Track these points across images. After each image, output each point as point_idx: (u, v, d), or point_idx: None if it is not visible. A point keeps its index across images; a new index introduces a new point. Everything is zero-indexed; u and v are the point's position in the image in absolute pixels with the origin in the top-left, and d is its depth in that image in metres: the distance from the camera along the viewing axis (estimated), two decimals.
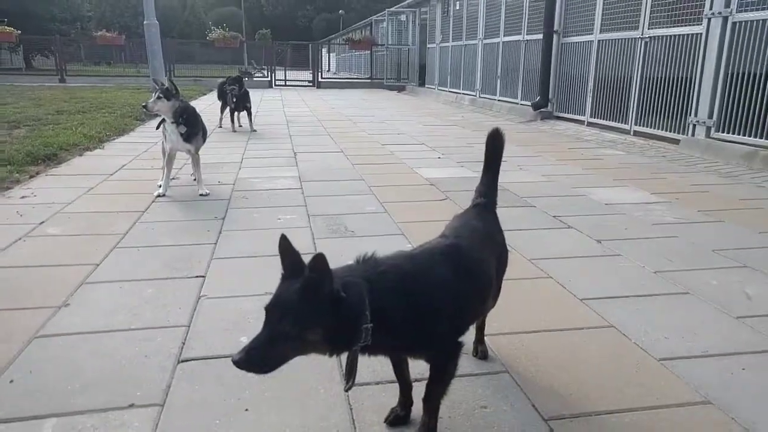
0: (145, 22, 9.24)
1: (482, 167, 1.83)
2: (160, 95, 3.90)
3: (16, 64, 26.15)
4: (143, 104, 4.03)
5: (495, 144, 1.80)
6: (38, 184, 4.31)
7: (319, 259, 1.15)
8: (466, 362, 1.80)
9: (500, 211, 1.86)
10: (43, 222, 3.31)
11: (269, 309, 1.21)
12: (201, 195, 4.06)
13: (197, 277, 2.53)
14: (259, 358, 1.18)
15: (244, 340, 1.95)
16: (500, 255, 1.72)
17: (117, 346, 1.93)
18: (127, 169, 5.00)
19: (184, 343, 1.95)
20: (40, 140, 5.76)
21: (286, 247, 1.26)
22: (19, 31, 19.13)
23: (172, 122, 3.99)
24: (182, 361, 1.84)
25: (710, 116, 6.00)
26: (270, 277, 2.52)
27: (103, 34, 20.28)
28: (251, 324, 2.08)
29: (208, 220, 3.43)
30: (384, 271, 1.30)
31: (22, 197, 3.88)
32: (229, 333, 2.02)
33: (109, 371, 1.77)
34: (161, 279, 2.51)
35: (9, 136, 6.24)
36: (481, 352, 1.85)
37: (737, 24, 5.62)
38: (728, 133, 5.79)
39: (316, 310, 1.17)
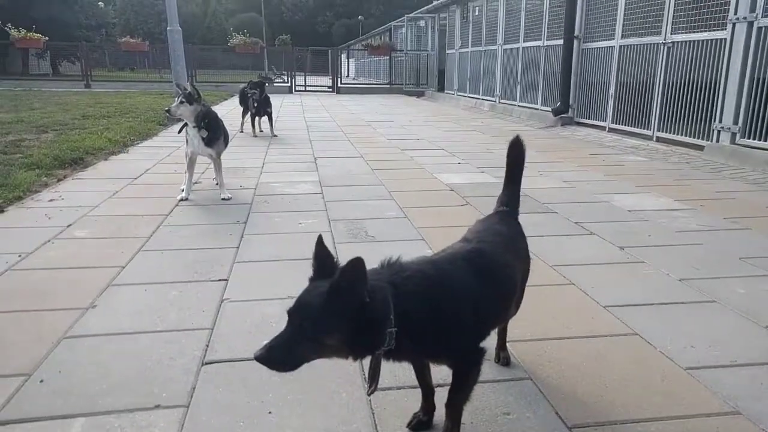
0: (168, 29, 9.42)
1: (504, 176, 1.82)
2: (183, 100, 3.96)
3: (44, 70, 26.80)
4: (166, 108, 4.10)
5: (516, 152, 1.80)
6: (65, 188, 4.39)
7: (357, 263, 1.14)
8: (488, 368, 1.80)
9: (522, 218, 1.85)
10: (70, 225, 3.38)
11: (291, 311, 1.23)
12: (223, 199, 4.10)
13: (220, 280, 2.56)
14: (279, 356, 1.20)
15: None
16: (524, 261, 1.71)
17: (143, 347, 1.96)
18: (150, 173, 5.07)
19: (207, 346, 1.97)
20: (67, 144, 5.88)
21: (320, 249, 1.28)
22: (47, 38, 19.55)
23: (194, 126, 4.05)
24: (206, 364, 1.86)
25: (735, 122, 5.91)
26: (292, 280, 2.55)
27: (127, 41, 20.65)
28: (273, 327, 2.10)
29: (231, 224, 3.47)
30: (409, 276, 1.31)
31: (50, 200, 3.97)
32: (252, 336, 2.04)
33: (135, 372, 1.80)
34: (185, 282, 2.54)
35: (37, 141, 6.38)
36: (503, 358, 1.84)
37: (763, 29, 5.53)
38: (754, 139, 5.69)
39: (338, 316, 1.18)
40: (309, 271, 2.80)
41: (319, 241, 1.28)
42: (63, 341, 1.99)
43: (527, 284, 1.76)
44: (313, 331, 1.18)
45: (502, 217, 1.75)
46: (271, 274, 2.65)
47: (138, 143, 6.83)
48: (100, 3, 37.31)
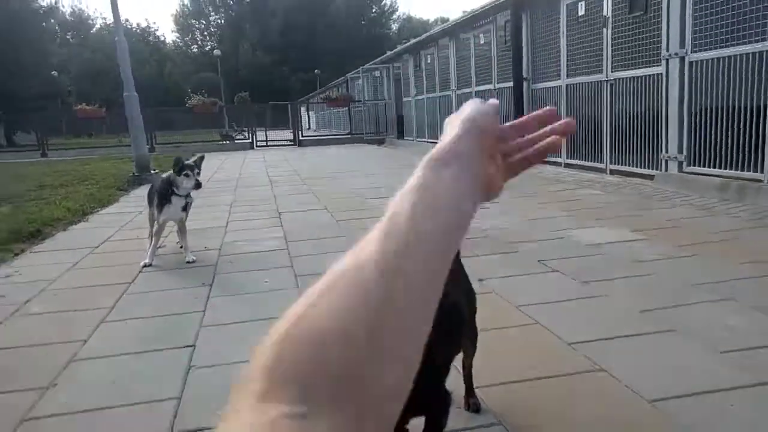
0: (124, 94, 9.43)
1: None
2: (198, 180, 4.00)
3: None
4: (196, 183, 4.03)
5: None
6: (22, 262, 4.29)
7: None
8: (458, 416, 1.80)
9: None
10: (28, 301, 3.29)
11: None
12: (188, 262, 4.05)
13: (186, 347, 2.52)
14: None
15: None
16: (468, 296, 1.76)
17: (108, 424, 1.90)
18: (112, 241, 5.00)
19: (175, 417, 1.93)
20: (23, 216, 5.77)
21: None
22: (1, 111, 19.32)
23: (182, 195, 4.03)
24: None
25: (680, 151, 6.20)
26: (259, 341, 2.51)
27: (83, 107, 20.53)
28: None
29: (196, 287, 3.43)
30: None
31: (6, 276, 3.86)
32: (221, 403, 1.99)
33: None
34: (150, 351, 2.49)
35: None
36: (473, 404, 1.85)
37: (694, 63, 5.90)
38: (700, 166, 5.97)
39: None
40: None
41: None
42: (23, 424, 1.92)
43: (493, 327, 1.80)
44: None
45: None
46: (239, 337, 2.62)
47: (98, 210, 6.73)
48: (53, 72, 37.24)
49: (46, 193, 8.03)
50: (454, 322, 1.59)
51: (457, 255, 1.81)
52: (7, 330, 2.85)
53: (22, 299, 3.31)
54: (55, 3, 43.94)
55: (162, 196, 4.09)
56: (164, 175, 4.32)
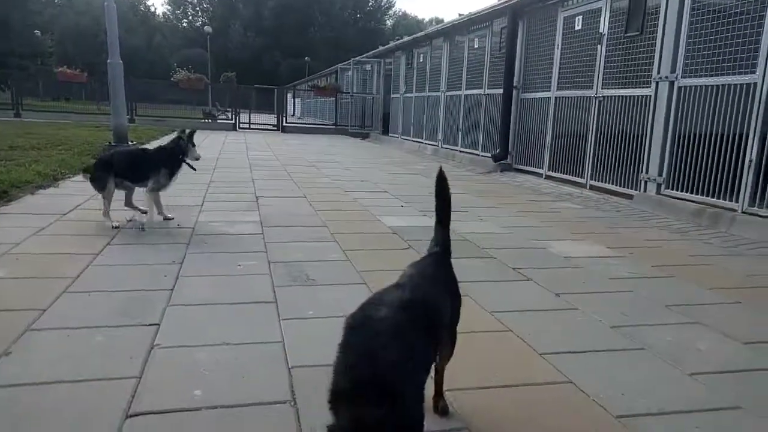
0: (108, 61, 9.19)
1: (435, 217, 1.87)
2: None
3: None
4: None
5: (442, 189, 1.86)
6: None
7: None
8: (426, 419, 1.77)
9: (462, 262, 1.87)
10: None
11: None
12: (166, 219, 4.45)
13: (151, 325, 2.44)
14: None
15: (198, 394, 1.89)
16: (453, 303, 1.73)
17: (62, 398, 1.83)
18: (82, 209, 4.85)
19: (133, 397, 1.86)
20: None
21: None
22: None
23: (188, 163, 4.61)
24: (131, 416, 1.75)
25: (660, 174, 6.28)
26: (228, 326, 2.46)
27: (63, 70, 19.98)
28: (206, 376, 2.01)
29: (166, 264, 3.34)
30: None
31: None
32: (183, 384, 1.94)
33: (51, 427, 1.67)
34: (112, 327, 2.40)
35: None
36: (441, 408, 1.82)
37: (683, 88, 5.98)
38: (677, 190, 6.06)
39: None
40: (247, 316, 2.71)
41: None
42: None
43: (466, 331, 1.77)
44: None
45: (434, 260, 1.77)
46: (206, 319, 2.55)
47: (70, 177, 6.54)
48: (36, 31, 36.22)
49: (16, 155, 7.78)
50: (441, 337, 1.58)
51: (448, 257, 1.79)
52: None
53: None
54: None
55: (175, 163, 4.51)
56: (155, 145, 4.91)
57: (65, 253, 3.46)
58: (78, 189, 5.79)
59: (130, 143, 9.41)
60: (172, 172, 4.46)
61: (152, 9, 71.85)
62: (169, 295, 2.83)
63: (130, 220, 4.49)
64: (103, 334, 2.32)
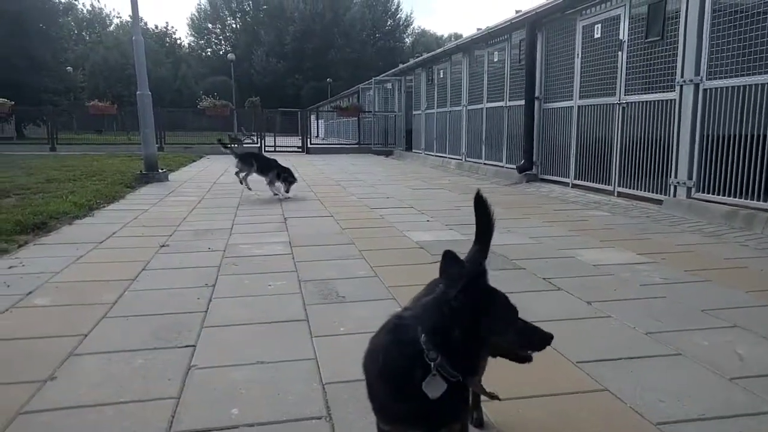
0: (138, 93, 9.49)
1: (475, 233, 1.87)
2: None
3: (8, 134, 26.46)
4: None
5: (481, 208, 1.85)
6: (27, 254, 4.28)
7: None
8: None
9: (490, 274, 1.88)
10: (30, 293, 3.28)
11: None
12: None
13: (187, 346, 2.50)
14: None
15: (236, 412, 1.93)
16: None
17: (105, 420, 1.88)
18: (116, 237, 4.99)
19: (173, 417, 1.90)
20: (29, 209, 5.77)
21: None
22: (13, 102, 19.47)
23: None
24: None
25: (690, 177, 6.18)
26: (261, 344, 2.51)
27: (95, 104, 20.68)
28: (243, 395, 2.05)
29: (199, 287, 3.42)
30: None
31: (10, 267, 3.85)
32: (220, 405, 1.98)
33: None
34: (150, 349, 2.47)
35: None
36: (476, 419, 1.83)
37: (708, 90, 5.89)
38: (709, 193, 5.94)
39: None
40: (280, 334, 2.75)
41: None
42: (18, 417, 1.90)
43: None
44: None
45: None
46: (240, 339, 2.60)
47: (104, 207, 6.74)
48: (68, 68, 37.56)
49: (53, 187, 8.06)
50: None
51: (485, 274, 1.81)
52: (9, 321, 2.84)
53: (24, 291, 3.30)
54: (74, 0, 44.42)
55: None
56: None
57: (103, 280, 3.56)
58: (112, 218, 5.97)
59: (159, 171, 9.67)
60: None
61: (178, 41, 73.75)
62: (204, 317, 2.89)
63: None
64: (142, 357, 2.39)
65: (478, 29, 12.22)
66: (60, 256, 4.17)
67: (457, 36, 53.45)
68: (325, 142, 28.91)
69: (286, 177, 7.62)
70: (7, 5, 28.73)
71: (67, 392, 2.08)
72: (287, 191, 7.61)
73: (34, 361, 2.34)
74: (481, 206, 1.84)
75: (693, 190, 6.15)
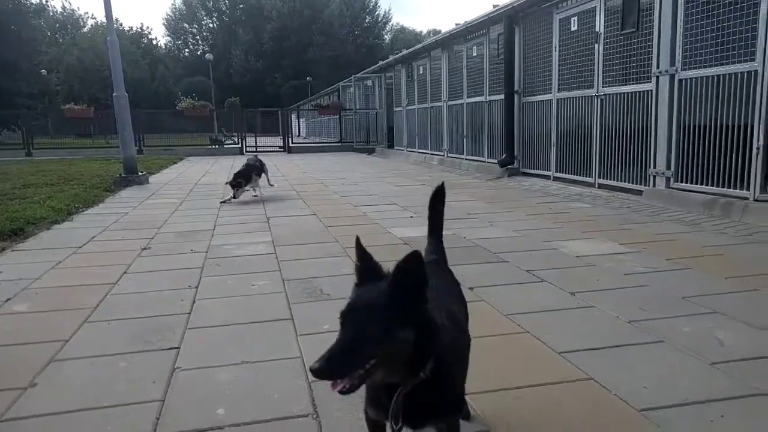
0: (114, 95, 9.35)
1: (427, 226, 1.87)
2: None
3: None
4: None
5: (436, 200, 1.85)
6: (4, 261, 4.20)
7: (418, 255, 1.09)
8: None
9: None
10: (8, 299, 3.22)
11: (350, 310, 1.13)
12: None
13: (171, 348, 2.47)
14: (344, 360, 1.07)
15: (221, 412, 1.91)
16: (465, 307, 1.74)
17: (88, 426, 1.85)
18: (96, 241, 4.92)
19: (158, 419, 1.88)
20: (6, 215, 5.66)
21: (362, 251, 1.23)
22: None
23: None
24: None
25: (668, 167, 6.26)
26: (246, 345, 2.49)
27: (71, 107, 20.33)
28: (228, 395, 2.03)
29: (182, 289, 3.38)
30: (447, 312, 1.34)
31: None
32: (206, 405, 1.96)
33: None
34: (134, 352, 2.44)
35: None
36: (463, 412, 1.83)
37: (683, 81, 5.98)
38: (687, 183, 6.03)
39: (408, 309, 1.10)
40: (265, 334, 2.73)
41: (358, 243, 1.24)
42: (0, 425, 1.86)
43: (482, 334, 1.78)
44: (383, 324, 1.08)
45: (435, 268, 1.77)
46: (224, 339, 2.58)
47: (83, 211, 6.64)
48: (42, 71, 36.91)
49: (30, 192, 7.91)
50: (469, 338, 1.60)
51: (444, 261, 1.80)
52: None
53: (2, 297, 3.24)
54: (45, 2, 43.60)
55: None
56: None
57: (83, 285, 3.51)
58: (92, 222, 5.88)
59: (139, 174, 9.56)
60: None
61: (154, 42, 72.80)
62: (187, 318, 2.86)
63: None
64: (126, 361, 2.35)
65: (457, 24, 12.25)
66: (39, 262, 4.10)
67: (436, 32, 53.52)
68: (306, 141, 28.81)
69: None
70: None
71: (49, 398, 2.04)
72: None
73: (15, 367, 2.29)
74: (439, 197, 1.83)
75: (672, 179, 6.23)
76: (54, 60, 49.84)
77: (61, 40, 62.63)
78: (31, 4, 36.98)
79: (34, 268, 3.90)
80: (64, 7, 69.88)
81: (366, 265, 1.21)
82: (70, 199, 7.10)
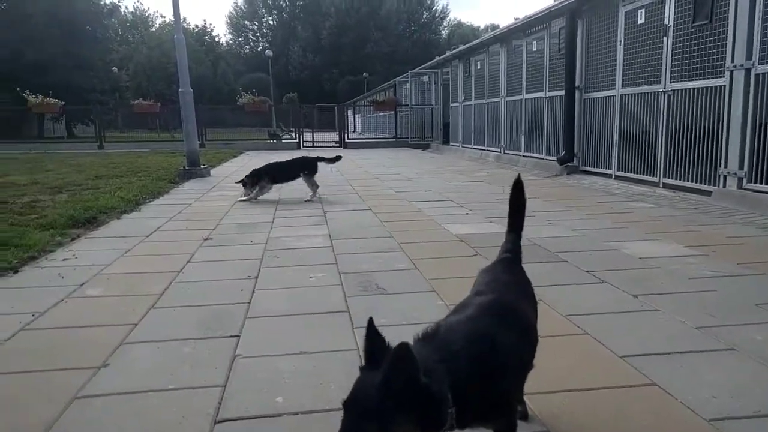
0: (180, 90, 9.71)
1: (507, 222, 1.84)
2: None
3: (59, 133, 27.53)
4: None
5: (517, 195, 1.81)
6: (79, 247, 4.45)
7: (402, 350, 1.10)
8: None
9: (532, 267, 1.86)
10: (83, 284, 3.41)
11: (347, 405, 1.16)
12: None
13: (232, 336, 2.55)
14: None
15: (280, 400, 1.96)
16: (534, 307, 1.72)
17: (155, 406, 1.94)
18: (162, 231, 5.13)
19: (220, 404, 1.95)
20: (80, 204, 5.98)
21: (370, 334, 1.22)
22: (63, 103, 20.21)
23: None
24: (219, 422, 1.84)
25: (741, 167, 5.94)
26: (304, 335, 2.54)
27: (139, 103, 21.27)
28: (287, 384, 2.08)
29: (242, 279, 3.48)
30: (458, 351, 1.28)
31: (64, 259, 4.01)
32: (265, 393, 2.02)
33: None
34: (197, 339, 2.53)
35: (52, 201, 6.50)
36: (521, 412, 1.80)
37: (760, 75, 5.65)
38: (762, 183, 5.70)
39: (400, 406, 1.12)
40: (322, 325, 2.78)
41: (370, 324, 1.23)
42: (75, 401, 1.98)
43: (540, 335, 1.74)
44: (380, 427, 1.11)
45: (507, 266, 1.75)
46: (283, 329, 2.64)
47: (150, 201, 6.94)
48: (113, 68, 38.74)
49: (102, 183, 8.33)
50: (535, 339, 1.59)
51: (521, 267, 1.78)
52: (65, 310, 2.96)
53: (78, 282, 3.43)
54: (118, 2, 45.80)
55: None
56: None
57: (150, 272, 3.67)
58: (157, 212, 6.14)
59: (202, 166, 9.89)
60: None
61: (217, 39, 75.04)
62: (247, 307, 2.94)
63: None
64: (190, 346, 2.45)
65: (516, 19, 12.02)
66: (110, 249, 4.32)
67: (495, 27, 52.69)
68: (362, 136, 29.00)
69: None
70: (56, 9, 29.82)
71: (119, 378, 2.15)
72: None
73: (89, 348, 2.43)
74: (518, 191, 1.80)
75: (744, 180, 5.91)
76: (125, 58, 52.16)
77: (131, 39, 65.48)
78: (105, 5, 38.88)
79: (106, 255, 4.11)
80: (135, 8, 72.85)
81: (373, 347, 1.22)
82: (138, 190, 7.42)
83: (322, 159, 7.48)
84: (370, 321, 1.23)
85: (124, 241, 4.64)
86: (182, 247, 4.37)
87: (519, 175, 1.82)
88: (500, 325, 1.40)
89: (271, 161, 7.61)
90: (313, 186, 7.16)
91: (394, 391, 1.11)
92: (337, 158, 7.89)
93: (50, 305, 2.99)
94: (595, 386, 2.02)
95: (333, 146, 20.03)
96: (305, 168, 7.22)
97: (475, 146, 14.64)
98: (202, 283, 3.42)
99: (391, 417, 1.12)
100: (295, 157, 7.68)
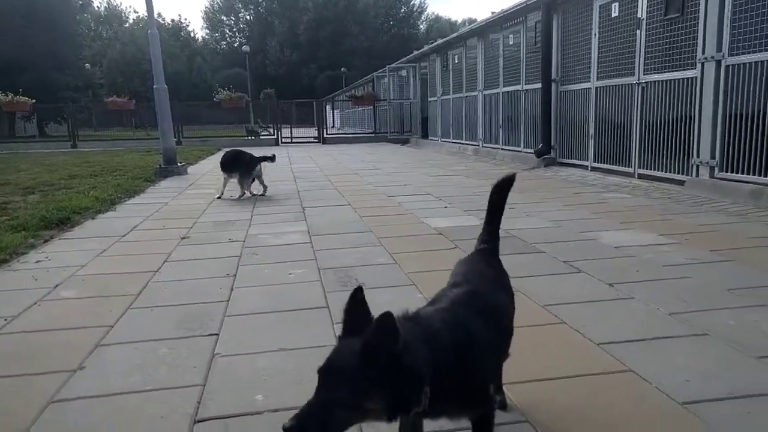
0: (154, 87, 9.57)
1: (485, 214, 1.85)
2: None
3: (30, 132, 26.94)
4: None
5: (500, 192, 1.82)
6: (52, 249, 4.36)
7: (387, 318, 1.08)
8: None
9: (510, 258, 1.88)
10: (57, 285, 3.35)
11: (322, 372, 1.13)
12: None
13: (211, 335, 2.53)
14: (315, 426, 1.07)
15: (260, 398, 1.95)
16: (511, 297, 1.73)
17: (132, 408, 1.92)
18: (138, 230, 5.06)
19: (199, 403, 1.93)
20: (53, 205, 5.87)
21: (353, 303, 1.20)
22: (34, 100, 19.77)
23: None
24: (198, 422, 1.82)
25: (713, 156, 6.06)
26: (283, 332, 2.53)
27: (114, 100, 20.92)
28: (266, 382, 2.07)
29: (220, 277, 3.45)
30: (438, 330, 1.28)
31: (37, 261, 3.93)
32: (245, 391, 2.01)
33: None
34: (175, 338, 2.51)
35: (23, 202, 6.37)
36: (500, 401, 1.82)
37: (730, 67, 5.76)
38: (732, 172, 5.82)
39: (377, 376, 1.09)
40: (301, 322, 2.77)
41: (354, 294, 1.20)
42: (50, 405, 1.94)
43: (518, 325, 1.76)
44: (352, 394, 1.08)
45: (484, 257, 1.77)
46: (262, 327, 2.63)
47: (125, 201, 6.84)
48: (86, 65, 38.01)
49: (76, 183, 8.19)
50: (510, 330, 1.61)
51: (496, 251, 1.79)
52: (38, 313, 2.90)
53: (51, 284, 3.37)
54: None
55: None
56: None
57: (127, 272, 3.62)
58: (134, 211, 6.05)
59: (178, 164, 9.77)
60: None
61: (192, 34, 74.06)
62: (226, 306, 2.92)
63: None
64: (167, 346, 2.42)
65: (493, 13, 12.07)
66: (84, 250, 4.25)
67: (472, 21, 52.80)
68: (341, 132, 28.91)
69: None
70: (25, 3, 29.08)
71: (95, 381, 2.12)
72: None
73: (64, 351, 2.39)
74: (505, 186, 1.79)
75: (716, 169, 6.03)
76: (98, 54, 51.25)
77: (104, 34, 64.30)
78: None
79: (81, 256, 4.04)
80: (108, 2, 71.53)
81: (354, 315, 1.19)
82: (113, 189, 7.31)
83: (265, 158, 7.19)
84: (359, 289, 1.20)
85: (99, 241, 4.56)
86: (159, 247, 4.31)
87: (514, 174, 1.81)
88: (475, 315, 1.41)
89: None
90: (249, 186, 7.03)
91: (375, 361, 1.08)
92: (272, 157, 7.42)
93: (23, 308, 2.94)
94: (572, 374, 2.05)
95: (312, 142, 19.94)
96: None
97: (453, 140, 14.69)
98: (180, 282, 3.39)
99: (367, 389, 1.08)
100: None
